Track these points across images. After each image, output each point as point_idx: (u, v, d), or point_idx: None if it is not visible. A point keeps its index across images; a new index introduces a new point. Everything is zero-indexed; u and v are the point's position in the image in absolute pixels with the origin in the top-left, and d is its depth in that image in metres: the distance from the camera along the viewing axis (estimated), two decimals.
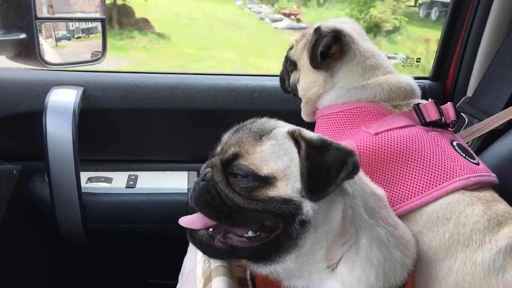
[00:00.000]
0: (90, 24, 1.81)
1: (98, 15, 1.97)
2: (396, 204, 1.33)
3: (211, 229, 1.08)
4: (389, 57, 2.03)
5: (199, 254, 1.20)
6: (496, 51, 2.02)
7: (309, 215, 1.01)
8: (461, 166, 1.34)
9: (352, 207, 1.07)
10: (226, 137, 1.14)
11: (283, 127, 1.11)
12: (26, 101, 2.06)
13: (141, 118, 2.22)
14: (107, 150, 2.29)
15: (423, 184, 1.32)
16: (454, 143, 1.44)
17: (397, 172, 1.36)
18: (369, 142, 1.40)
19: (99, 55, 2.06)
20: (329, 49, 1.57)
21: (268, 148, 1.05)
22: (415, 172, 1.34)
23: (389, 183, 1.35)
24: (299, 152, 1.04)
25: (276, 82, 2.27)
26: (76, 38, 1.77)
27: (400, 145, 1.37)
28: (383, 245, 1.09)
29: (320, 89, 1.63)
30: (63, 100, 1.96)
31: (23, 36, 1.44)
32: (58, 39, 1.75)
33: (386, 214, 1.15)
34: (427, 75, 2.52)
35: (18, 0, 1.42)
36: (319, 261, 1.06)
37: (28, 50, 1.55)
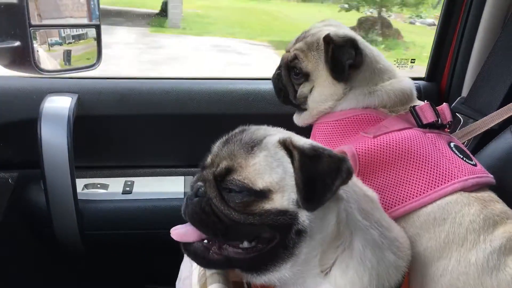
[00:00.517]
0: (80, 31, 1.83)
1: (93, 21, 1.98)
2: (395, 206, 1.33)
3: (206, 241, 1.07)
4: None
5: None
6: (490, 51, 2.03)
7: (305, 224, 1.01)
8: (459, 168, 1.34)
9: (346, 211, 1.06)
10: (216, 148, 1.12)
11: (273, 135, 1.09)
12: (21, 109, 2.05)
13: (136, 123, 2.21)
14: (103, 156, 2.28)
15: (421, 186, 1.32)
16: (452, 144, 1.45)
17: (396, 174, 1.36)
18: (368, 146, 1.40)
19: (94, 61, 2.06)
20: (355, 61, 1.53)
21: (261, 161, 1.03)
22: (414, 174, 1.34)
23: (388, 185, 1.36)
24: (292, 162, 1.03)
25: (270, 85, 2.27)
26: (68, 44, 1.80)
27: (399, 148, 1.38)
28: (376, 247, 1.08)
29: (335, 103, 1.59)
30: (57, 107, 1.95)
31: (17, 43, 1.44)
32: (51, 45, 1.78)
33: (379, 216, 1.15)
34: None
35: (11, 8, 1.42)
36: (313, 267, 1.06)
37: (22, 58, 1.55)
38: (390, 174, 1.36)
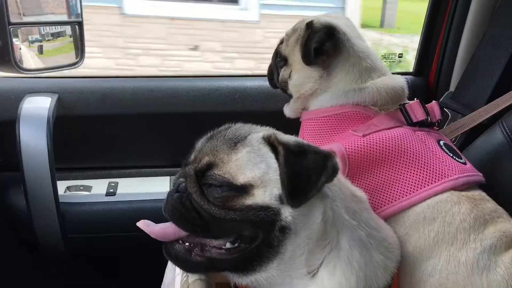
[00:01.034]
0: (59, 28, 1.82)
1: (75, 19, 1.94)
2: (384, 205, 1.31)
3: (187, 243, 1.04)
4: None
5: None
6: (478, 45, 2.01)
7: (288, 220, 0.99)
8: (449, 167, 1.32)
9: (332, 209, 1.05)
10: (200, 144, 1.11)
11: (258, 132, 1.08)
12: None
13: (119, 123, 2.17)
14: (85, 157, 2.23)
15: (411, 185, 1.30)
16: (441, 142, 1.43)
17: (385, 173, 1.34)
18: (357, 144, 1.38)
19: (77, 59, 2.02)
20: (322, 46, 1.53)
21: (243, 156, 1.02)
22: (404, 173, 1.32)
23: (377, 185, 1.33)
24: (276, 158, 1.01)
25: (256, 82, 2.26)
26: (47, 41, 1.80)
27: (389, 146, 1.35)
28: (364, 248, 1.06)
29: (315, 85, 1.58)
30: (37, 108, 1.90)
31: None
32: (31, 42, 1.78)
33: (367, 216, 1.13)
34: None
35: None
36: (300, 266, 1.03)
37: (1, 57, 1.50)
38: (379, 174, 1.34)
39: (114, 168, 2.26)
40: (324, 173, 0.97)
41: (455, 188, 1.28)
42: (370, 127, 1.42)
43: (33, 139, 1.83)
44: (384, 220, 1.24)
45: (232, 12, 7.55)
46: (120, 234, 2.06)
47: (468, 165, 1.39)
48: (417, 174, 1.31)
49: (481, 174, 1.37)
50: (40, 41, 1.83)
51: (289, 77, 1.68)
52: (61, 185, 2.08)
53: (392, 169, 1.33)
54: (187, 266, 1.07)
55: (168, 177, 2.25)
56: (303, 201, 0.98)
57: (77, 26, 1.93)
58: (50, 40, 1.79)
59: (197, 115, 2.20)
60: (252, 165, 1.01)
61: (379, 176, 1.34)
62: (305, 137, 1.56)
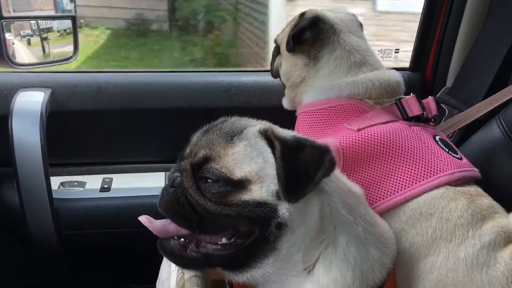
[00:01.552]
0: (49, 24, 1.85)
1: (69, 13, 1.93)
2: (379, 200, 1.29)
3: (182, 239, 1.03)
4: None
5: None
6: (474, 40, 2.00)
7: (285, 217, 0.97)
8: (444, 161, 1.31)
9: (329, 205, 1.03)
10: (195, 138, 1.09)
11: (254, 126, 1.06)
12: None
13: (113, 118, 2.15)
14: (79, 153, 2.22)
15: (406, 180, 1.29)
16: (437, 137, 1.42)
17: (380, 168, 1.33)
18: (352, 139, 1.36)
19: (71, 54, 2.00)
20: (302, 34, 1.54)
21: (240, 150, 1.00)
22: (399, 168, 1.31)
23: (372, 180, 1.32)
24: (273, 152, 0.99)
25: (252, 77, 2.25)
26: (37, 35, 1.83)
27: (383, 141, 1.34)
28: (360, 243, 1.05)
29: (302, 72, 1.58)
30: (30, 103, 1.88)
31: None
32: (23, 36, 1.82)
33: (364, 212, 1.12)
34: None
35: None
36: (296, 263, 1.02)
37: None
38: (374, 169, 1.33)
39: (108, 164, 2.24)
40: (322, 168, 0.96)
41: (451, 183, 1.27)
42: (365, 121, 1.41)
43: (26, 134, 1.81)
44: (379, 215, 1.23)
45: None
46: (115, 230, 2.04)
47: (464, 160, 1.38)
48: (412, 169, 1.30)
49: (477, 169, 1.36)
50: (31, 35, 1.84)
51: (280, 65, 1.71)
52: (55, 181, 2.06)
53: (387, 164, 1.32)
54: (182, 262, 1.06)
55: (163, 173, 2.23)
56: (301, 197, 0.96)
57: (70, 20, 1.92)
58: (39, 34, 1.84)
59: (193, 110, 2.18)
60: (249, 159, 0.99)
61: (373, 171, 1.33)
62: (300, 131, 1.55)
